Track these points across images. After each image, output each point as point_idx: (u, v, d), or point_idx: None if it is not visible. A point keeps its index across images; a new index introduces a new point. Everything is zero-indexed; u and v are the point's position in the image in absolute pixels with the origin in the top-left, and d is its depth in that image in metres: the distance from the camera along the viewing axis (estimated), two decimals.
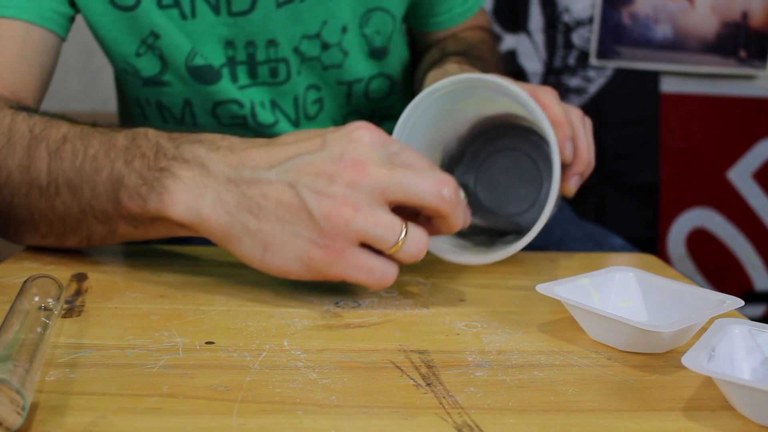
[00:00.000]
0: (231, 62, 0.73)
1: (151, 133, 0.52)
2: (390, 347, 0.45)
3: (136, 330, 0.45)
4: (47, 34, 0.66)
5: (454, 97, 0.60)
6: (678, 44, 1.39)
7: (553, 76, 1.42)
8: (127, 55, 0.71)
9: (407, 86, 0.86)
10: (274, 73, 0.75)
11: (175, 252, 0.63)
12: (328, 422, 0.35)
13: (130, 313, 0.48)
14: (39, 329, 0.39)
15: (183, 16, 0.70)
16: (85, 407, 0.36)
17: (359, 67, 0.78)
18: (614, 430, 0.36)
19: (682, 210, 1.46)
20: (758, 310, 1.49)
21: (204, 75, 0.72)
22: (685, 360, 0.37)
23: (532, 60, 1.41)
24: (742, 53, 1.38)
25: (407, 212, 0.49)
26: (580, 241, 0.80)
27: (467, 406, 0.37)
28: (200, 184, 0.48)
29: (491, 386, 0.40)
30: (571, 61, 1.41)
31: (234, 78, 0.74)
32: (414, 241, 0.48)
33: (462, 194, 0.50)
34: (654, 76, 1.41)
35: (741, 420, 0.37)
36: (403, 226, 0.47)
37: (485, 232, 0.67)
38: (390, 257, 0.48)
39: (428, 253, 0.50)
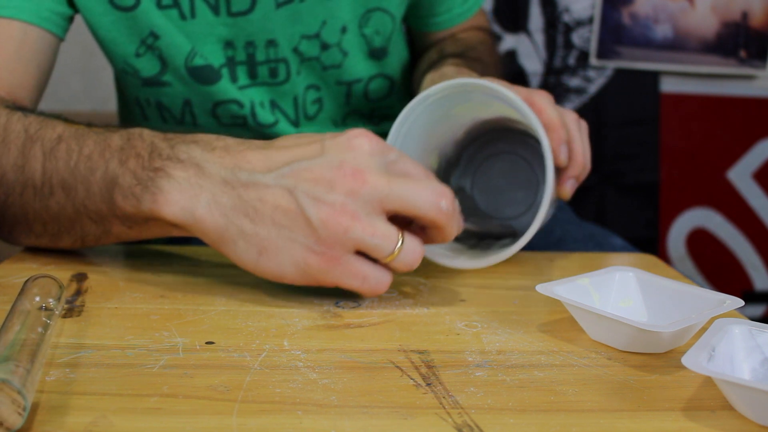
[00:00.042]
0: (230, 62, 0.73)
1: (146, 133, 0.52)
2: (390, 347, 0.45)
3: (136, 330, 0.45)
4: (45, 34, 0.66)
5: (449, 101, 0.60)
6: (678, 44, 1.39)
7: (553, 76, 1.42)
8: (126, 55, 0.72)
9: (407, 86, 0.86)
10: (273, 73, 0.75)
11: (175, 252, 0.63)
12: (328, 422, 0.35)
13: (130, 313, 0.48)
14: (40, 329, 0.39)
15: (182, 17, 0.70)
16: (85, 407, 0.36)
17: (359, 68, 0.78)
18: (614, 430, 0.36)
19: (682, 210, 1.46)
20: (758, 310, 1.49)
21: (204, 75, 0.73)
22: (685, 360, 0.37)
23: (532, 60, 1.41)
24: (742, 53, 1.38)
25: (401, 219, 0.49)
26: (580, 241, 0.80)
27: (467, 406, 0.37)
28: (195, 185, 0.48)
29: (491, 386, 0.40)
30: (571, 61, 1.41)
31: (233, 78, 0.74)
32: (410, 251, 0.48)
33: (456, 201, 0.50)
34: (654, 76, 1.41)
35: (741, 420, 0.37)
36: (400, 236, 0.48)
37: (481, 236, 0.67)
38: (384, 265, 0.49)
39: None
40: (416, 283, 0.57)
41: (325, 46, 0.75)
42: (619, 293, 0.50)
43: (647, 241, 1.45)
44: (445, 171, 0.70)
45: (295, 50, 0.74)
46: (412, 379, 0.40)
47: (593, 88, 1.41)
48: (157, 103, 0.76)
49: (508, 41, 1.41)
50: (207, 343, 0.44)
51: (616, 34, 1.39)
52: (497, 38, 1.40)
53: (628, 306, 0.50)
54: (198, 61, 0.72)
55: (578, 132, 0.62)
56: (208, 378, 0.39)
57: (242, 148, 0.49)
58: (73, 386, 0.38)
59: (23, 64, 0.64)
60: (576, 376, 0.42)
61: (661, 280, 0.50)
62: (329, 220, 0.46)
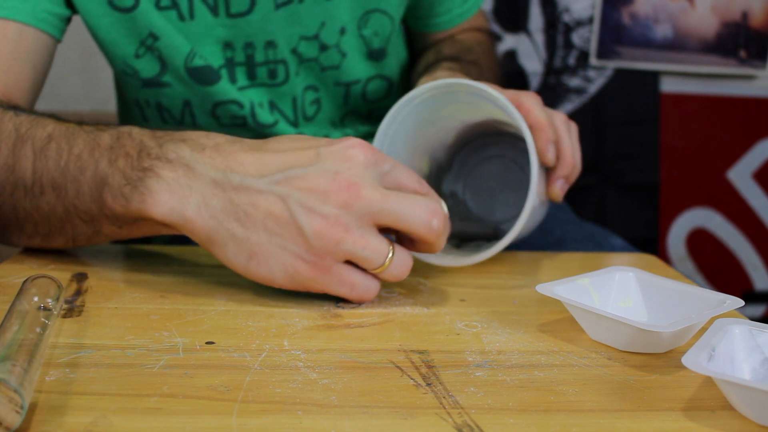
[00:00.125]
0: (230, 63, 0.73)
1: (136, 131, 0.51)
2: (390, 347, 0.45)
3: (136, 330, 0.45)
4: (41, 35, 0.65)
5: (437, 102, 0.60)
6: (678, 44, 1.39)
7: (553, 76, 1.42)
8: (126, 56, 0.71)
9: (405, 87, 0.86)
10: (272, 74, 0.75)
11: (175, 252, 0.63)
12: (328, 422, 0.35)
13: (130, 313, 0.48)
14: (38, 329, 0.39)
15: (181, 18, 0.70)
16: (85, 407, 0.36)
17: (357, 69, 0.78)
18: (614, 430, 0.36)
19: (682, 210, 1.46)
20: (758, 310, 1.49)
21: (203, 76, 0.72)
22: (685, 360, 0.37)
23: (532, 60, 1.41)
24: (742, 53, 1.38)
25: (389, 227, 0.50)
26: (580, 241, 0.80)
27: (467, 406, 0.37)
28: (184, 185, 0.48)
29: (491, 386, 0.40)
30: (571, 61, 1.41)
31: (233, 79, 0.74)
32: (399, 263, 0.49)
33: (445, 207, 0.50)
34: (654, 76, 1.41)
35: (741, 420, 0.37)
36: (391, 249, 0.48)
37: (472, 239, 0.67)
38: (373, 274, 0.49)
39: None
40: (416, 283, 0.57)
41: (323, 47, 0.75)
42: (619, 293, 0.50)
43: (647, 241, 1.45)
44: (437, 176, 0.71)
45: (294, 51, 0.74)
46: (412, 379, 0.40)
47: (593, 88, 1.41)
48: (156, 104, 0.76)
49: (508, 41, 1.41)
50: (207, 343, 0.44)
51: (616, 34, 1.39)
52: (497, 38, 1.40)
53: (628, 306, 0.50)
54: (197, 62, 0.72)
55: (567, 132, 0.62)
56: (208, 378, 0.39)
57: (234, 148, 0.49)
58: (73, 386, 0.38)
59: (19, 65, 0.64)
60: (576, 376, 0.42)
61: (661, 280, 0.50)
62: (322, 231, 0.46)
